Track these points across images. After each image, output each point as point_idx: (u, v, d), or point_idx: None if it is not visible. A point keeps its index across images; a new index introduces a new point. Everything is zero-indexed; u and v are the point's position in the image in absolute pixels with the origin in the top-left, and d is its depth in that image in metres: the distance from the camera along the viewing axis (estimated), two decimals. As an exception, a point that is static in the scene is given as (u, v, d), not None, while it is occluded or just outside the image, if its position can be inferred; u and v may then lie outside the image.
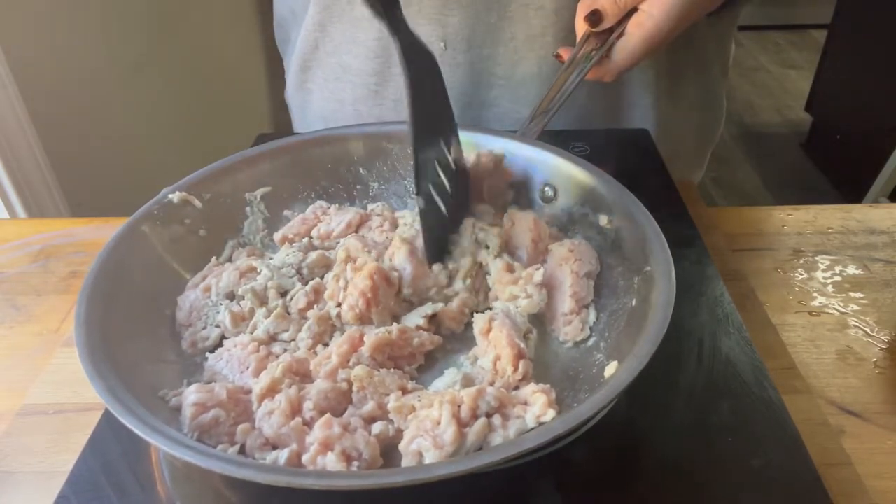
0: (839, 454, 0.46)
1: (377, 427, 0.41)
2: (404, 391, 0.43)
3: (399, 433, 0.41)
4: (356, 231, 0.57)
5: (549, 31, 0.71)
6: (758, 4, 3.58)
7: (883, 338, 0.56)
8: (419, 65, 0.47)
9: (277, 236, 0.58)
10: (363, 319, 0.48)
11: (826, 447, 0.47)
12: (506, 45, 0.73)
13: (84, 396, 0.52)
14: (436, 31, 0.73)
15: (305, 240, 0.57)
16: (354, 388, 0.43)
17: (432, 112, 0.50)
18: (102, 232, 0.72)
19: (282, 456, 0.39)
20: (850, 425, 0.49)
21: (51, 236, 0.71)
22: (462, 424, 0.39)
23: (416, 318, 0.49)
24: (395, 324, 0.48)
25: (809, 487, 0.41)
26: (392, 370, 0.45)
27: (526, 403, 0.41)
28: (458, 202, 0.54)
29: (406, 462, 0.39)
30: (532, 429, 0.40)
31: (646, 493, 0.42)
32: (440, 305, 0.50)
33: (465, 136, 0.61)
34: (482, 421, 0.39)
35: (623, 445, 0.45)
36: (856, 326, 0.57)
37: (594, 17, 0.58)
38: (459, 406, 0.39)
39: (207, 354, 0.48)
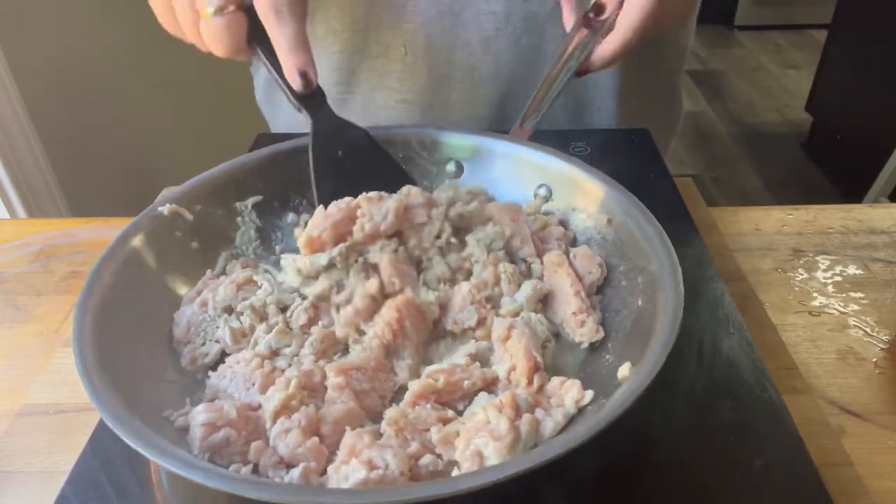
0: (839, 454, 0.46)
1: (426, 460, 0.39)
2: (444, 422, 0.41)
3: (448, 465, 0.39)
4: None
5: (502, 33, 0.74)
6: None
7: (883, 338, 0.56)
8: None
9: (301, 241, 0.49)
10: (389, 350, 0.46)
11: (826, 447, 0.47)
12: (462, 50, 0.75)
13: (84, 396, 0.51)
14: (397, 37, 0.75)
15: (340, 246, 0.48)
16: (391, 432, 0.40)
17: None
18: (102, 232, 0.71)
19: (294, 473, 0.38)
20: (850, 425, 0.49)
21: (51, 236, 0.71)
22: (511, 419, 0.38)
23: (459, 358, 0.46)
24: (441, 364, 0.45)
25: (809, 487, 0.41)
26: (428, 404, 0.43)
27: (551, 398, 0.42)
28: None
29: (466, 468, 0.38)
30: (574, 415, 0.40)
31: (646, 492, 0.42)
32: (483, 344, 0.47)
33: (464, 138, 0.61)
34: (528, 415, 0.39)
35: (623, 446, 0.44)
36: (856, 326, 0.57)
37: (596, 8, 0.58)
38: (501, 410, 0.39)
39: (210, 372, 0.46)
